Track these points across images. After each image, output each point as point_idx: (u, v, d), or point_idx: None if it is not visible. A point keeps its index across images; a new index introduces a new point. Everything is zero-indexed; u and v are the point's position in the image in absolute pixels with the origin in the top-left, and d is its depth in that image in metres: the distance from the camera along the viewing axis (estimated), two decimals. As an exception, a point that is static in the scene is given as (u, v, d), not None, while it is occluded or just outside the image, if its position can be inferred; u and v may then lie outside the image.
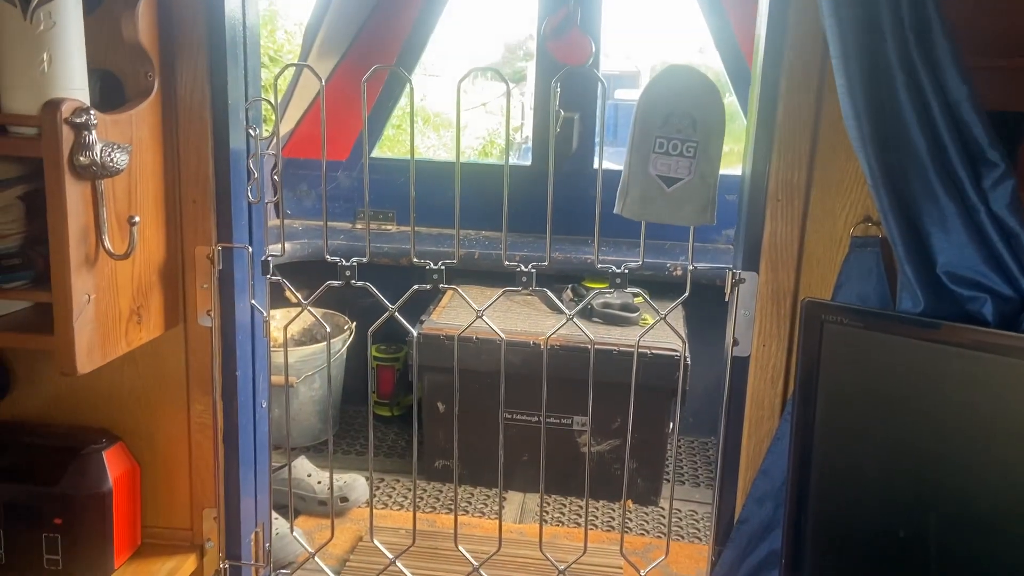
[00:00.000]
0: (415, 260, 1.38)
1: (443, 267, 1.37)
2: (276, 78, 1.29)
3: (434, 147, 6.92)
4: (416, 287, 1.37)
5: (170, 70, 1.27)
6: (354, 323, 2.63)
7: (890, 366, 0.98)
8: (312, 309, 1.42)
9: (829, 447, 1.03)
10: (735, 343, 1.26)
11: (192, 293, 1.35)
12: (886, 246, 1.17)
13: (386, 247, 2.58)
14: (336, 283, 1.33)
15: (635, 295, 2.56)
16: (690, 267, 1.27)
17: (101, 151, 1.09)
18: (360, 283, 1.34)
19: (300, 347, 2.57)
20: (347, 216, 2.77)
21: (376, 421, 2.80)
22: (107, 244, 1.14)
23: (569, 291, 2.52)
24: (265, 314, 1.36)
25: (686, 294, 1.31)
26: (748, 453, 1.27)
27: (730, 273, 1.24)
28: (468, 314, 2.44)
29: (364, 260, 1.34)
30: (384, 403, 2.78)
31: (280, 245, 1.32)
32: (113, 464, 1.35)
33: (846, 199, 1.18)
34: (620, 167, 2.99)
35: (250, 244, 1.35)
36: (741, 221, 1.25)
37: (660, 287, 2.54)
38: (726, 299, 1.26)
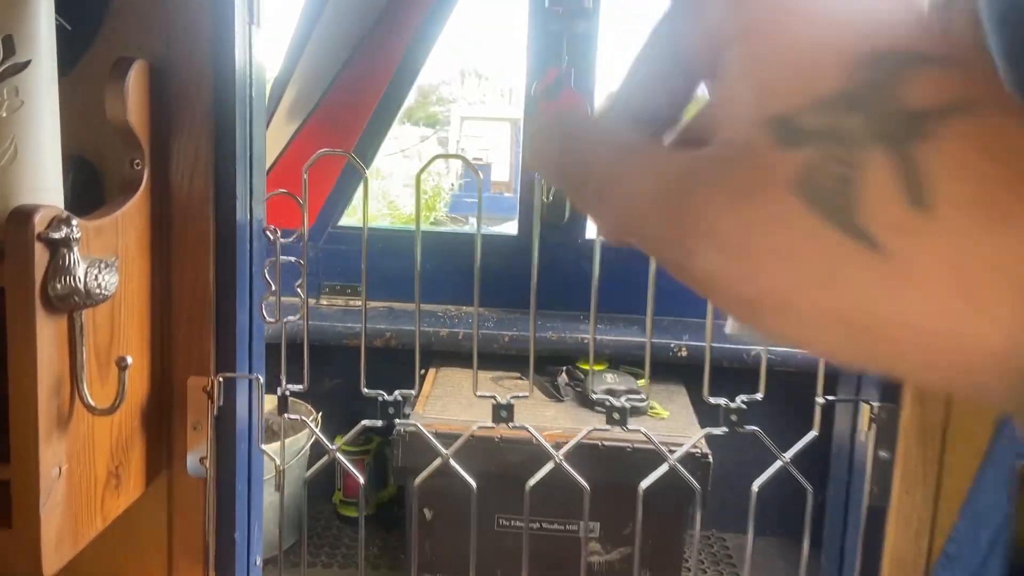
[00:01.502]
0: (479, 397, 1.12)
1: (512, 403, 1.10)
2: (306, 168, 1.02)
3: (373, 198, 6.63)
4: (477, 426, 1.11)
5: (163, 156, 0.98)
6: (319, 413, 2.32)
7: None
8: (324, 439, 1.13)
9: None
10: (871, 492, 1.04)
11: (180, 436, 1.05)
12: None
13: (357, 327, 2.28)
14: (375, 423, 1.05)
15: (637, 376, 2.35)
16: (820, 400, 1.05)
17: (85, 274, 0.79)
18: (411, 427, 1.06)
19: (258, 444, 2.25)
20: (310, 290, 2.47)
21: (342, 523, 2.47)
22: (87, 396, 0.84)
23: (564, 375, 2.28)
24: (279, 463, 1.07)
25: (814, 432, 1.08)
26: (887, 622, 1.06)
27: (867, 407, 1.03)
28: (457, 403, 2.18)
29: (413, 393, 1.07)
30: (352, 502, 2.46)
31: (304, 376, 1.04)
32: (73, 668, 1.02)
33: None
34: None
35: (252, 371, 1.07)
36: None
37: (662, 369, 2.33)
38: (862, 438, 1.04)
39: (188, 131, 0.98)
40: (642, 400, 2.14)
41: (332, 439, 2.46)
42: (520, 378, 2.31)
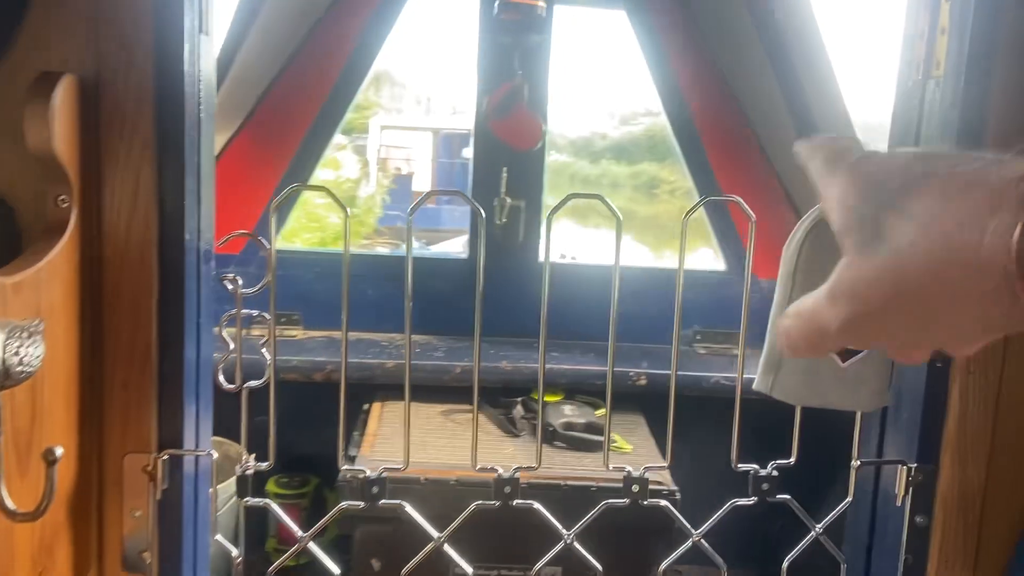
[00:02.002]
0: (479, 471, 0.98)
1: (517, 476, 0.96)
2: (275, 206, 0.86)
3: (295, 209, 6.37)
4: (475, 505, 0.95)
5: (95, 192, 0.80)
6: (253, 455, 2.12)
7: None
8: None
9: None
10: (906, 561, 0.94)
11: (115, 525, 0.87)
12: (1106, 434, 0.91)
13: (294, 360, 2.10)
14: (355, 504, 0.90)
15: (594, 406, 2.24)
16: (855, 463, 0.95)
17: (3, 347, 0.62)
18: (394, 502, 0.91)
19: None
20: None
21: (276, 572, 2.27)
22: (5, 500, 0.66)
23: (520, 407, 2.15)
24: (236, 553, 0.90)
25: (849, 498, 0.97)
26: None
27: (903, 469, 0.93)
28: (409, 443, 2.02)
29: (400, 469, 0.92)
30: (286, 550, 2.26)
31: (269, 453, 0.88)
32: None
33: (1046, 367, 0.92)
34: (566, 260, 2.65)
35: (200, 445, 0.90)
36: (909, 397, 0.95)
37: (621, 399, 2.23)
38: (897, 503, 0.95)
39: (125, 161, 0.81)
40: (602, 433, 2.03)
41: (264, 481, 2.27)
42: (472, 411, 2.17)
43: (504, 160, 2.16)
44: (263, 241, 0.87)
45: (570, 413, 2.11)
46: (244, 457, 0.92)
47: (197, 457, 0.89)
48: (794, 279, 0.88)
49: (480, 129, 2.17)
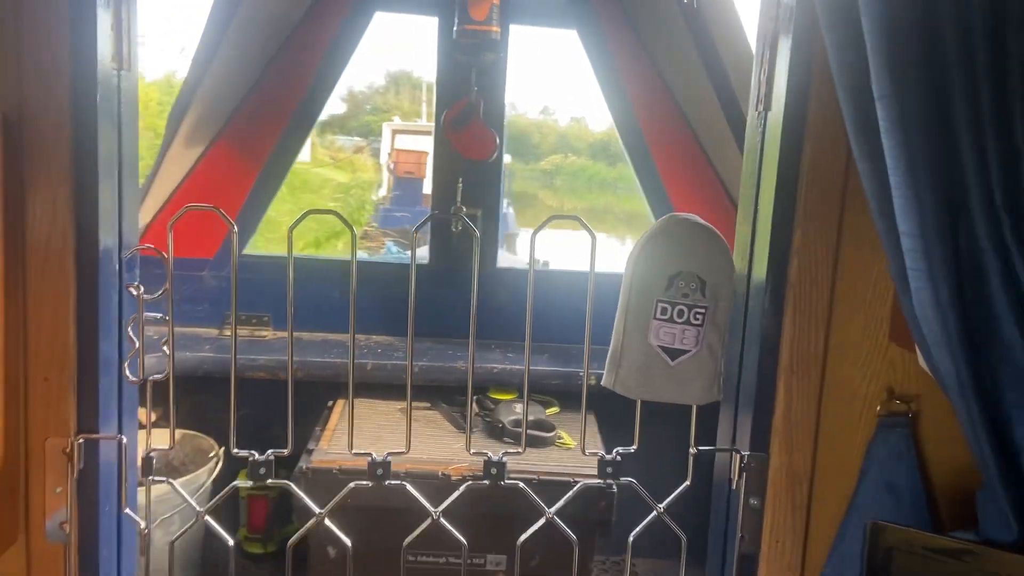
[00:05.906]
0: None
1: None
2: (171, 225, 0.98)
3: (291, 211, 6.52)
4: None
5: (18, 206, 0.94)
6: (222, 448, 2.26)
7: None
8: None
9: None
10: (742, 539, 1.06)
11: (38, 499, 1.00)
12: (916, 425, 1.02)
13: (262, 359, 2.23)
14: (243, 484, 1.02)
15: (546, 405, 2.36)
16: (692, 451, 1.06)
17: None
18: (280, 481, 1.04)
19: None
20: (214, 320, 2.40)
21: (246, 559, 2.41)
22: (-81, 472, 0.79)
23: (475, 405, 2.27)
24: (143, 525, 1.03)
25: (687, 482, 1.08)
26: (759, 669, 1.07)
27: (735, 455, 1.05)
28: (363, 437, 2.15)
29: (285, 452, 1.04)
30: (256, 538, 2.40)
31: (170, 438, 1.00)
32: None
33: (866, 369, 1.02)
34: (518, 265, 2.77)
35: (121, 431, 1.03)
36: (744, 393, 1.06)
37: (572, 399, 2.35)
38: (732, 486, 1.06)
39: (45, 185, 0.94)
40: (550, 430, 2.15)
41: (236, 474, 2.41)
42: (429, 408, 2.30)
43: (461, 170, 2.28)
44: (163, 254, 0.99)
45: (520, 411, 2.23)
46: (148, 442, 1.04)
47: (118, 441, 1.01)
48: (631, 287, 1.00)
49: (439, 141, 2.30)
